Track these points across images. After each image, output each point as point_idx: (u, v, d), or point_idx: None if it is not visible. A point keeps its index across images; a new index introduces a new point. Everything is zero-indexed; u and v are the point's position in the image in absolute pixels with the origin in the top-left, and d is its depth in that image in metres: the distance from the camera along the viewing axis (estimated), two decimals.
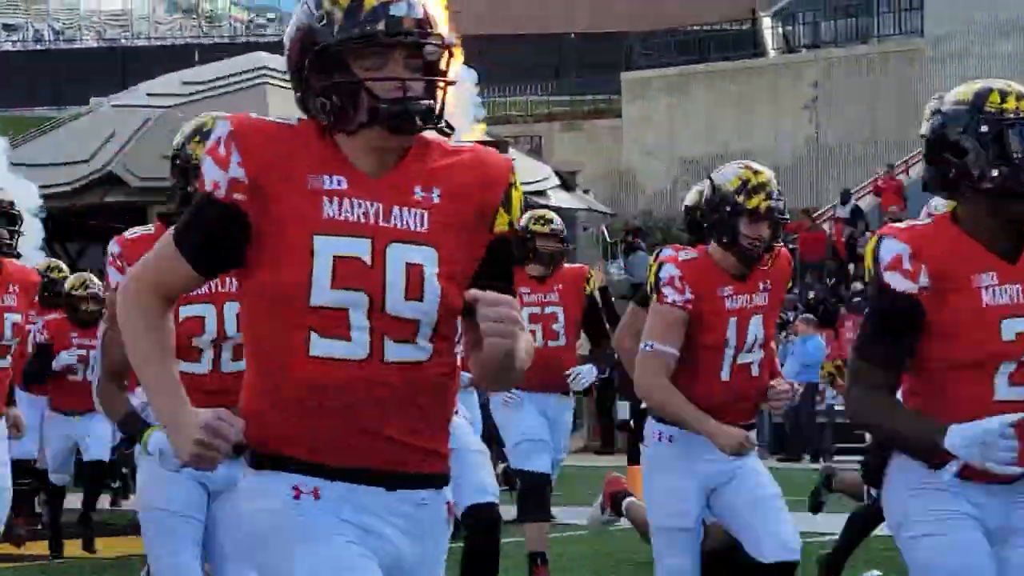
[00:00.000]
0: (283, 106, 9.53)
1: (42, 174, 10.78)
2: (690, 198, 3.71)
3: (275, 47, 13.45)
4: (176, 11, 31.12)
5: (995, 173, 1.62)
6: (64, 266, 7.20)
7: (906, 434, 1.74)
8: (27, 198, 7.46)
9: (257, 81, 12.50)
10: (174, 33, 30.01)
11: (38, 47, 28.54)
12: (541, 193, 12.98)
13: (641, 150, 18.88)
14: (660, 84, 17.80)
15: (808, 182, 17.02)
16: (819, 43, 19.26)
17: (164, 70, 14.60)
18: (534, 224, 4.63)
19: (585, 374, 4.70)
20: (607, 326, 4.95)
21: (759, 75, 18.22)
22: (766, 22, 19.76)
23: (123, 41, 28.94)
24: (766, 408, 3.65)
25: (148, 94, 13.15)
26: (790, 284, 3.85)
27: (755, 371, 3.03)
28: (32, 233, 6.93)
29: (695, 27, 19.47)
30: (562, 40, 23.29)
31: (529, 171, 12.67)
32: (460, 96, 9.69)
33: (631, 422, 8.50)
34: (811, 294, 14.42)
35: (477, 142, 4.39)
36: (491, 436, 6.05)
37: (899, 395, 1.82)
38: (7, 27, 27.06)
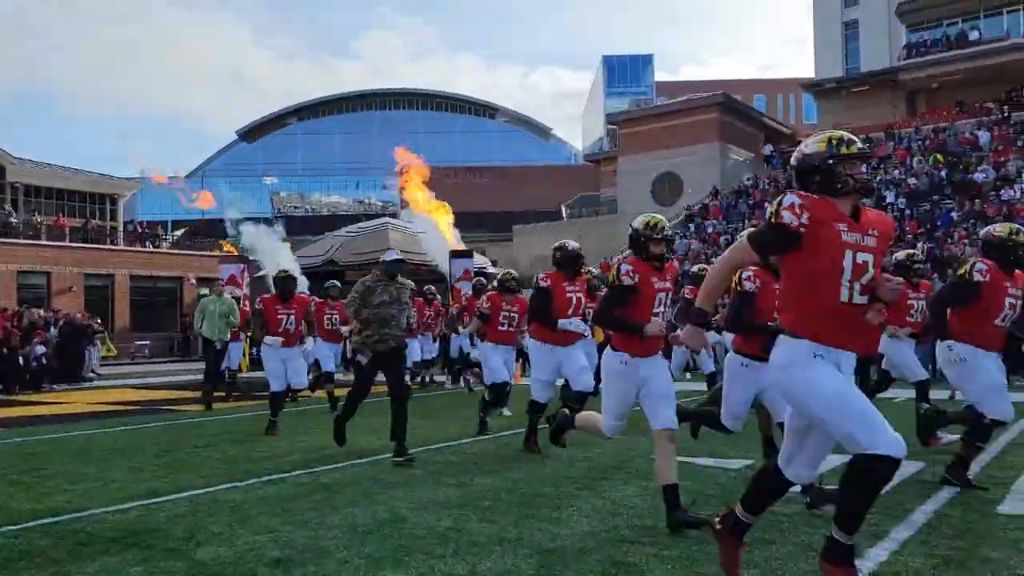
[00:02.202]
0: (396, 238, 22.77)
1: (306, 261, 20.11)
2: None
3: (391, 215, 39.98)
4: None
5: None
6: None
7: None
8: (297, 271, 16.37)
9: (384, 226, 25.81)
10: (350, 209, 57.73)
11: (304, 215, 54.66)
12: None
13: (523, 257, 46.34)
14: (523, 231, 46.03)
15: (588, 261, 45.06)
16: (582, 215, 48.19)
17: (350, 222, 40.62)
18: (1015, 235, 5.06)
19: None
20: None
21: (564, 227, 46.73)
22: (563, 209, 49.52)
23: (325, 211, 55.96)
24: None
25: (337, 235, 36.97)
26: None
27: None
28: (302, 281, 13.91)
29: (542, 209, 49.36)
30: (491, 213, 51.99)
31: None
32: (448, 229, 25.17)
33: None
34: None
35: (458, 249, 19.56)
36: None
37: None
38: (295, 207, 53.31)
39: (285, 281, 8.77)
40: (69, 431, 8.93)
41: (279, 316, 8.56)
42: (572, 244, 6.81)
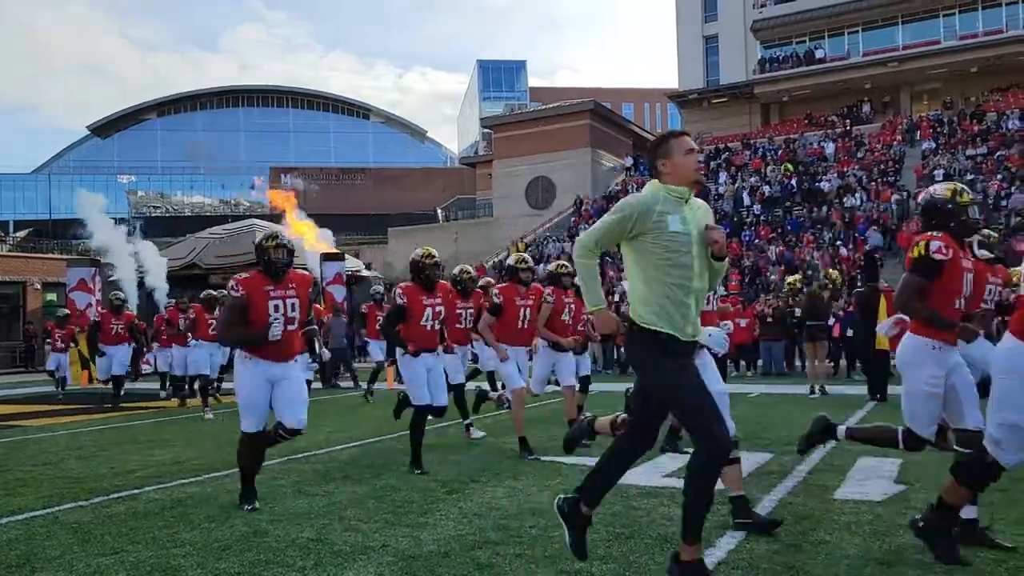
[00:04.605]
0: None
1: (172, 263, 21.82)
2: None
3: (258, 216, 38.55)
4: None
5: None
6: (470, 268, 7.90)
7: None
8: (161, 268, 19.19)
9: (251, 228, 26.17)
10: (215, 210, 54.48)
11: (164, 215, 50.75)
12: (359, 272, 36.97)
13: (398, 260, 45.81)
14: (399, 233, 45.51)
15: (463, 263, 45.21)
16: (458, 218, 48.38)
17: (213, 223, 38.73)
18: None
19: None
20: None
21: (440, 229, 46.67)
22: (439, 212, 49.35)
23: (187, 212, 52.37)
24: None
25: (200, 237, 31.10)
26: None
27: None
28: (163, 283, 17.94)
29: (418, 211, 48.87)
30: (366, 216, 51.08)
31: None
32: (324, 237, 24.10)
33: None
34: None
35: (330, 252, 20.79)
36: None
37: None
38: (155, 207, 48.88)
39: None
40: None
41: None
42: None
